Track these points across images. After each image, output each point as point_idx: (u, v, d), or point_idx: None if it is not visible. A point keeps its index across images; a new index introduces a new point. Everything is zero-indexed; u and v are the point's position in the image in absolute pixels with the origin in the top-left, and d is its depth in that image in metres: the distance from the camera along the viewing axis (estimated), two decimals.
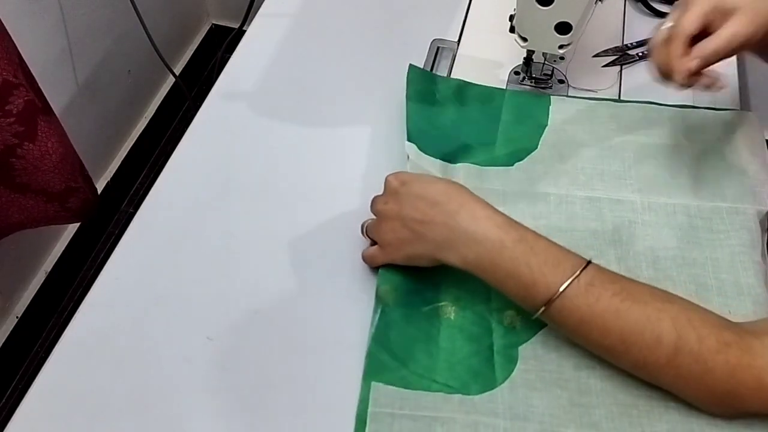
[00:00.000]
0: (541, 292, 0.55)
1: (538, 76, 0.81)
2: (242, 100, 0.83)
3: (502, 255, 0.56)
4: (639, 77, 0.82)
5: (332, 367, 0.62)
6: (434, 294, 0.65)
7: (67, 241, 1.47)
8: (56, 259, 1.45)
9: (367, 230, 0.66)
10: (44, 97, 0.99)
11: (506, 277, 0.56)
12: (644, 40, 0.85)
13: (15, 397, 1.36)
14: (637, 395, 0.58)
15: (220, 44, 1.28)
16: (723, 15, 0.59)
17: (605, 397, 0.58)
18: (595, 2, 0.71)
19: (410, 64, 0.82)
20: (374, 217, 0.65)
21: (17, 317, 1.38)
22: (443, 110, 0.79)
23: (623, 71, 0.83)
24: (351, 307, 0.65)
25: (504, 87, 0.82)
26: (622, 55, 0.84)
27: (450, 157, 0.74)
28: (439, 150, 0.74)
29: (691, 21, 0.59)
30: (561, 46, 0.73)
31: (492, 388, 0.59)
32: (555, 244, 0.58)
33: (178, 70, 1.72)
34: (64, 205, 1.07)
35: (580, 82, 0.82)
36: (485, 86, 0.81)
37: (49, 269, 1.44)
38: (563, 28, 0.71)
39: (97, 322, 0.65)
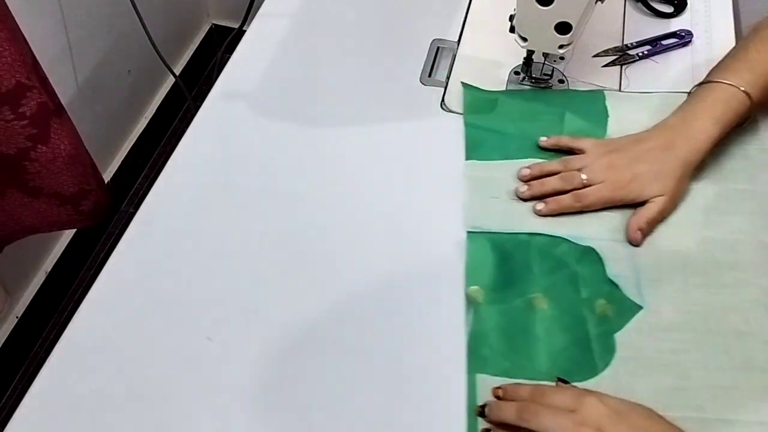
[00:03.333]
0: None
1: (538, 76, 0.81)
2: (242, 100, 0.83)
3: None
4: (639, 77, 0.82)
5: (332, 368, 0.62)
6: (524, 287, 0.66)
7: (67, 241, 1.47)
8: (56, 259, 1.45)
9: None
10: (57, 98, 0.97)
11: None
12: (644, 40, 0.85)
13: (15, 397, 1.36)
14: (734, 377, 0.59)
15: (220, 44, 1.29)
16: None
17: (708, 379, 0.59)
18: (595, 2, 0.71)
19: (462, 82, 0.82)
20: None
21: (17, 317, 1.38)
22: (503, 116, 0.79)
23: (623, 71, 0.83)
24: (351, 307, 0.65)
25: (504, 87, 0.82)
26: (622, 55, 0.84)
27: (514, 154, 0.75)
28: (503, 151, 0.75)
29: (595, 205, 0.69)
30: (561, 46, 0.73)
31: (594, 376, 0.60)
32: None
33: (178, 70, 1.72)
34: (77, 209, 1.05)
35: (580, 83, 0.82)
36: (541, 89, 0.82)
37: (49, 269, 1.44)
38: (563, 28, 0.71)
39: (97, 322, 0.65)
